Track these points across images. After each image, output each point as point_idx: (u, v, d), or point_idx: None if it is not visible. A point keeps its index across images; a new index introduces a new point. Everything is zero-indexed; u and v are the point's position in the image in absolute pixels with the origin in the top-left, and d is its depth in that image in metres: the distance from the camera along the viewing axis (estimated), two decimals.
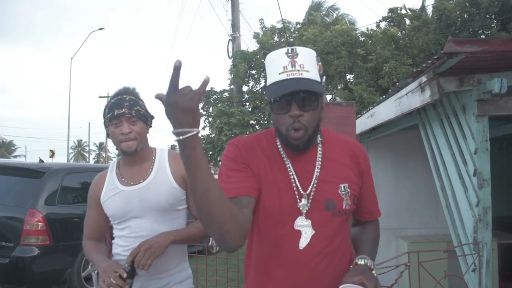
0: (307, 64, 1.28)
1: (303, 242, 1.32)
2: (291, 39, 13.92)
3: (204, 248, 6.36)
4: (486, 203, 2.59)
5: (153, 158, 1.93)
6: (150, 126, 1.94)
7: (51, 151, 27.85)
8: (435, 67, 2.48)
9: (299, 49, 1.30)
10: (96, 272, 5.45)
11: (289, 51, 1.29)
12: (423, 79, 2.65)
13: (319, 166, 1.38)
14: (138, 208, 1.84)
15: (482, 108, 2.60)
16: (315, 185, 1.35)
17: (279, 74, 1.27)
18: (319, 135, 1.41)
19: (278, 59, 1.29)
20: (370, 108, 4.44)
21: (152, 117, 1.96)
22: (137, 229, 1.84)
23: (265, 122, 13.93)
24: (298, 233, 1.33)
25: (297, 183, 1.35)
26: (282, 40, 14.35)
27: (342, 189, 1.36)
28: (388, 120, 3.53)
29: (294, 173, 1.36)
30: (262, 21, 15.34)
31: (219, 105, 14.11)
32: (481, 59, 2.43)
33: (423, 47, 10.83)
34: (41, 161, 5.87)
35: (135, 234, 1.83)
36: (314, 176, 1.36)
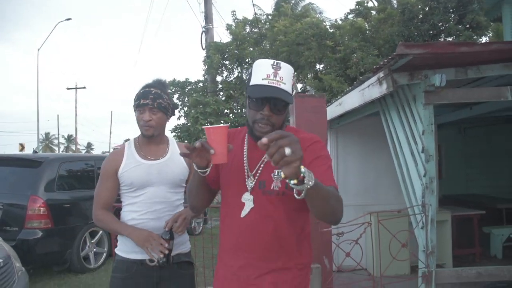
0: (285, 78, 1.58)
1: (244, 211, 1.66)
2: (263, 31, 14.40)
3: (189, 229, 6.92)
4: (431, 174, 3.23)
5: (168, 142, 2.42)
6: (172, 115, 2.41)
7: (21, 144, 27.44)
8: (390, 65, 3.09)
9: (282, 64, 1.60)
10: (93, 251, 6.09)
11: (275, 63, 1.59)
12: (381, 74, 3.25)
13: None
14: (156, 179, 2.27)
15: (428, 98, 3.22)
16: (260, 168, 1.67)
17: (262, 79, 1.57)
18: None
19: (264, 67, 1.59)
20: (339, 97, 5.03)
21: (176, 107, 2.44)
22: (152, 196, 2.26)
23: (239, 110, 14.43)
24: (243, 205, 1.67)
25: (247, 165, 1.70)
26: (254, 30, 14.84)
27: (276, 174, 1.50)
28: (354, 108, 4.14)
29: (247, 158, 1.71)
30: (234, 13, 15.79)
31: (194, 95, 14.49)
32: (427, 59, 3.04)
33: (388, 38, 11.54)
34: (34, 152, 6.24)
35: (150, 200, 2.26)
36: (260, 161, 1.68)
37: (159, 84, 2.34)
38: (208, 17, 14.81)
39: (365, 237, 3.18)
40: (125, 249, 2.28)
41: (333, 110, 5.00)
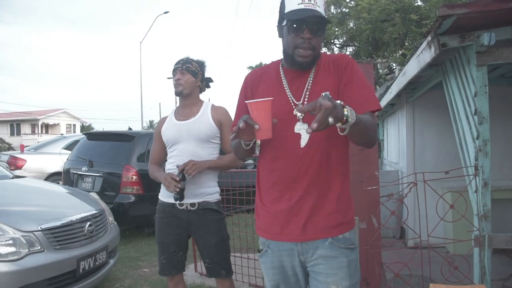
0: (319, 1, 1.64)
1: (304, 140, 1.67)
2: (347, 10, 14.22)
3: None
4: (485, 136, 3.19)
5: (201, 106, 2.81)
6: (204, 83, 2.83)
7: (129, 127, 30.03)
8: (436, 28, 3.11)
9: None
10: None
11: None
12: (429, 38, 3.28)
13: (311, 81, 1.71)
14: (186, 136, 2.69)
15: (480, 58, 3.18)
16: (306, 96, 1.69)
17: (298, 4, 1.62)
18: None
19: None
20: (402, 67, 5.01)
21: (210, 80, 2.87)
22: (183, 151, 2.68)
23: None
24: (298, 135, 1.67)
25: (291, 96, 1.71)
26: (339, 11, 14.72)
27: (323, 95, 1.51)
28: (414, 76, 4.15)
29: (288, 89, 1.73)
30: None
31: None
32: (475, 19, 3.02)
33: None
34: (129, 129, 7.07)
35: (181, 154, 2.68)
36: (305, 89, 1.70)
37: (190, 58, 2.80)
38: None
39: (412, 196, 3.25)
40: (163, 194, 2.77)
41: (399, 81, 5.00)
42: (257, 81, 1.84)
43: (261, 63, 15.84)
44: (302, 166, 1.68)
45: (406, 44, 12.62)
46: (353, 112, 1.40)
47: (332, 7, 15.14)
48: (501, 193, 4.79)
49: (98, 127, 58.86)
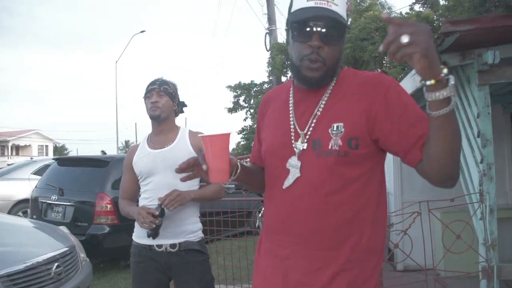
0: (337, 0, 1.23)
1: (287, 182, 1.30)
2: None
3: (251, 227, 7.04)
4: (489, 160, 2.99)
5: (177, 131, 2.51)
6: (179, 107, 2.55)
7: (102, 151, 29.38)
8: (437, 45, 2.90)
9: None
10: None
11: None
12: None
13: (322, 106, 1.30)
14: (161, 166, 2.37)
15: (482, 78, 2.99)
16: (312, 124, 1.30)
17: (308, 1, 1.23)
18: (336, 74, 1.34)
19: None
20: None
21: (183, 104, 2.59)
22: (159, 183, 2.36)
23: None
24: (287, 172, 1.30)
25: (294, 122, 1.34)
26: None
27: (334, 128, 1.24)
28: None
29: (293, 113, 1.35)
30: None
31: (260, 96, 14.70)
32: (478, 36, 2.83)
33: None
34: (103, 153, 6.67)
35: (157, 187, 2.36)
36: (313, 115, 1.30)
37: (166, 79, 2.53)
38: (271, 19, 14.94)
39: (416, 227, 3.00)
40: (137, 234, 2.45)
41: None
42: (269, 101, 1.50)
43: (240, 83, 15.61)
44: (289, 216, 1.30)
45: (384, 62, 12.64)
46: (452, 77, 1.02)
47: None
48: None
49: (72, 147, 57.79)
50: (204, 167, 1.22)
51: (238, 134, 15.79)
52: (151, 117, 2.45)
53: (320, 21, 1.22)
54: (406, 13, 12.82)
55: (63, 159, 6.90)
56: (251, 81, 16.03)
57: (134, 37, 29.46)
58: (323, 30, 1.22)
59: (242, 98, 15.96)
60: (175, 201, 2.24)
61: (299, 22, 1.25)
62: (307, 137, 1.29)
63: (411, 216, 2.90)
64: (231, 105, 16.13)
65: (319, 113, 1.30)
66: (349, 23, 1.28)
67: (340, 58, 1.30)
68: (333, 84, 1.33)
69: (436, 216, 2.87)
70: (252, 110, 15.60)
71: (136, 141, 55.83)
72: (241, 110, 16.16)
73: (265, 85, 15.98)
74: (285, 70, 15.00)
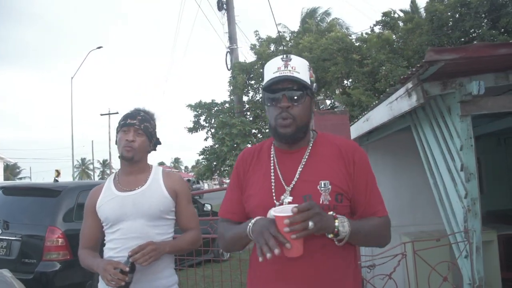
0: (298, 68, 1.47)
1: None
2: (287, 48, 14.21)
3: (215, 255, 6.67)
4: (473, 195, 2.83)
5: (150, 171, 2.18)
6: (153, 146, 2.21)
7: (57, 170, 28.02)
8: (419, 74, 2.75)
9: (293, 56, 1.51)
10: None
11: (284, 56, 1.50)
12: (409, 85, 2.91)
13: (304, 164, 1.49)
14: (131, 212, 2.04)
15: (465, 108, 2.85)
16: (297, 181, 1.47)
17: (273, 73, 1.46)
18: (311, 137, 1.57)
19: (274, 63, 1.50)
20: (365, 112, 4.69)
21: (158, 142, 2.24)
22: (128, 231, 2.03)
23: (267, 130, 14.20)
24: None
25: (280, 178, 1.49)
26: (279, 49, 14.67)
27: (322, 186, 1.42)
28: (382, 123, 3.79)
29: (278, 171, 1.51)
30: (257, 32, 15.69)
31: (221, 116, 14.40)
32: (460, 65, 2.69)
33: (417, 48, 11.08)
34: (55, 180, 6.14)
35: (126, 236, 2.03)
36: (297, 173, 1.48)
37: (148, 112, 2.20)
38: (232, 38, 14.78)
39: (400, 270, 2.79)
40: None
41: (360, 126, 4.66)
42: (250, 160, 1.62)
43: (200, 101, 15.28)
44: (284, 265, 1.42)
45: (346, 83, 12.72)
46: (345, 224, 1.34)
47: (272, 46, 15.08)
48: None
49: (25, 165, 55.30)
50: (288, 245, 1.25)
51: (199, 155, 15.37)
52: (124, 158, 2.11)
53: (285, 85, 1.46)
54: (367, 33, 13.02)
55: (9, 188, 6.27)
56: (212, 100, 15.70)
57: (91, 53, 28.62)
58: (289, 92, 1.46)
59: (203, 117, 15.58)
60: (149, 256, 1.92)
61: (268, 89, 1.48)
62: (297, 192, 1.45)
63: (394, 258, 2.68)
64: (191, 125, 15.71)
65: (301, 170, 1.49)
66: (314, 87, 1.52)
67: (310, 117, 1.53)
68: (311, 145, 1.55)
69: (422, 258, 2.66)
70: (213, 130, 15.25)
71: (93, 159, 54.17)
72: (201, 130, 15.74)
73: (226, 105, 15.72)
74: (246, 89, 14.85)
